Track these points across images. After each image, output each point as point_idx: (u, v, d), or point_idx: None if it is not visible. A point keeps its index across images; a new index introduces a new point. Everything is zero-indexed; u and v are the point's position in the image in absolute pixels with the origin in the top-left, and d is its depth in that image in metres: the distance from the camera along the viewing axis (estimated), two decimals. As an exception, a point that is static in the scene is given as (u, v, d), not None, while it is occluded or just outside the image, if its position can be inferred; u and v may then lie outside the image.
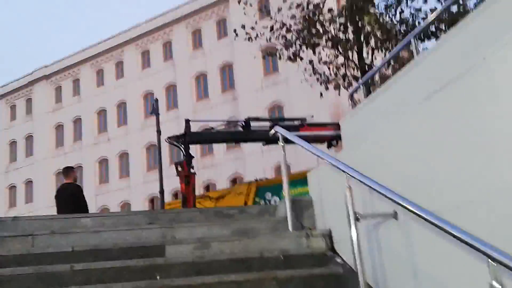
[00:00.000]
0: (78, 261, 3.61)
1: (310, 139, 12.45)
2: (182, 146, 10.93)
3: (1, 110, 44.04)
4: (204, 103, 33.60)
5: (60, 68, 41.70)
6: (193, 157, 11.05)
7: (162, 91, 35.03)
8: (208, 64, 34.33)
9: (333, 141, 12.45)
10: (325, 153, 3.69)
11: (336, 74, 12.83)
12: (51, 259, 3.66)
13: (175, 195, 31.38)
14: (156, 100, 17.47)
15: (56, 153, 39.90)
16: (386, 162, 3.47)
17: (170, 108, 34.44)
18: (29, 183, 40.96)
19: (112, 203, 35.58)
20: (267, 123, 12.31)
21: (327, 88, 13.20)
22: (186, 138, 10.96)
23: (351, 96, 4.91)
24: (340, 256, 4.02)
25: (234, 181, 30.76)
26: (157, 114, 16.72)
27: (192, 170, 10.89)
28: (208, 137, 12.43)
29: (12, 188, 41.90)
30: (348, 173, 3.24)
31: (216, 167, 30.63)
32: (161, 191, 16.32)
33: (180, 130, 11.58)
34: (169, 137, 11.22)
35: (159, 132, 16.41)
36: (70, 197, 7.43)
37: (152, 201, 33.95)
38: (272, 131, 4.60)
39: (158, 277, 3.47)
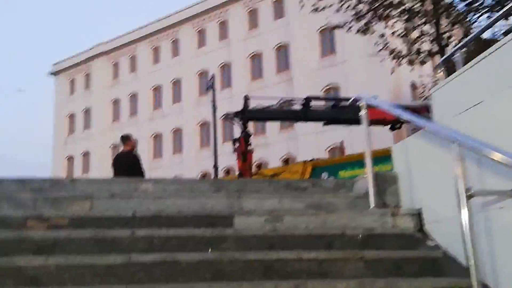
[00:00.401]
0: (139, 227, 3.27)
1: (372, 121, 11.78)
2: (241, 122, 10.61)
3: (62, 84, 45.38)
4: (259, 83, 33.18)
5: (118, 45, 42.34)
6: (251, 134, 10.71)
7: (217, 70, 34.81)
8: (264, 44, 33.81)
9: (397, 124, 11.80)
10: (425, 120, 3.15)
11: (409, 49, 11.87)
12: (110, 223, 3.33)
13: (227, 172, 31.33)
14: (213, 76, 17.16)
15: (112, 127, 40.74)
16: (497, 135, 2.89)
17: (224, 87, 34.26)
18: (86, 155, 42.16)
19: (165, 177, 36.04)
20: (325, 103, 11.73)
21: (399, 64, 12.26)
22: (245, 115, 10.62)
23: (444, 63, 4.27)
24: (432, 239, 3.50)
25: (286, 161, 30.32)
26: (213, 90, 16.40)
27: (249, 147, 10.57)
28: (266, 115, 12.00)
29: (70, 159, 43.30)
30: (462, 142, 2.69)
31: (268, 146, 30.22)
32: (215, 166, 16.06)
33: (234, 109, 11.25)
34: (227, 113, 10.92)
35: (214, 107, 16.10)
36: (128, 165, 7.22)
37: (204, 177, 34.08)
38: (354, 99, 4.09)
39: (210, 250, 3.07)
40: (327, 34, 30.17)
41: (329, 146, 27.78)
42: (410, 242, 3.41)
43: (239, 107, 10.88)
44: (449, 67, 4.30)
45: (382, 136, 20.96)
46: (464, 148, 2.75)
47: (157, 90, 39.51)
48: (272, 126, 29.39)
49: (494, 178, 2.84)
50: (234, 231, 3.29)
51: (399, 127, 12.39)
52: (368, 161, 3.97)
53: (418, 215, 3.67)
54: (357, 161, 13.98)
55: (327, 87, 29.67)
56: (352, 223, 3.57)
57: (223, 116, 10.78)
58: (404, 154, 4.00)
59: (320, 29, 30.11)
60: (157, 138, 38.48)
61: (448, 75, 4.35)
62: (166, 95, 38.84)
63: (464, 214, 2.67)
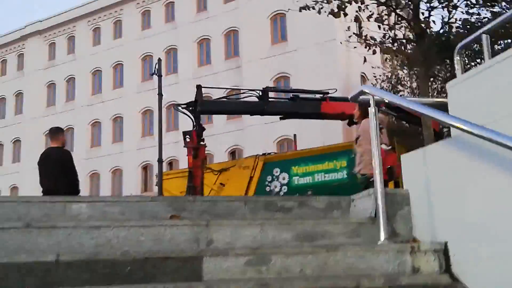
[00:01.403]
0: (64, 284, 2.19)
1: (331, 115, 10.95)
2: (193, 114, 9.55)
3: (-9, 64, 42.00)
4: (206, 69, 31.80)
5: (54, 23, 39.53)
6: (204, 128, 9.67)
7: (162, 54, 33.06)
8: (212, 29, 32.37)
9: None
10: (484, 127, 2.26)
11: (384, 36, 11.01)
12: (20, 274, 2.23)
13: (170, 164, 29.95)
14: (159, 60, 15.88)
15: (47, 112, 38.10)
16: None
17: (170, 73, 32.61)
18: (17, 142, 39.26)
19: (103, 168, 34.09)
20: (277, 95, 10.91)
21: (374, 52, 11.39)
22: (198, 107, 9.55)
23: (462, 50, 3.43)
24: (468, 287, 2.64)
25: (233, 153, 29.33)
26: (160, 76, 15.18)
27: (202, 142, 9.55)
28: (221, 107, 10.98)
29: (-1, 146, 40.26)
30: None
31: (215, 138, 28.95)
32: (160, 160, 14.89)
33: (179, 95, 10.22)
34: (178, 104, 9.84)
35: (160, 94, 14.88)
36: (57, 165, 6.00)
37: (145, 168, 32.51)
38: (359, 92, 3.16)
39: None
40: (278, 21, 29.25)
41: (277, 138, 27.05)
42: (443, 293, 2.54)
43: (185, 93, 9.81)
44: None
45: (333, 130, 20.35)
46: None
47: (96, 73, 37.23)
48: (220, 116, 28.17)
49: None
50: (206, 286, 2.27)
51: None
52: (377, 173, 3.04)
53: (444, 252, 2.81)
54: (310, 157, 13.27)
55: (277, 76, 28.79)
56: (362, 265, 2.65)
57: (175, 107, 9.62)
58: (421, 166, 3.12)
59: (271, 15, 29.14)
60: (96, 125, 36.30)
61: (465, 65, 3.51)
62: (106, 79, 36.65)
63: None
